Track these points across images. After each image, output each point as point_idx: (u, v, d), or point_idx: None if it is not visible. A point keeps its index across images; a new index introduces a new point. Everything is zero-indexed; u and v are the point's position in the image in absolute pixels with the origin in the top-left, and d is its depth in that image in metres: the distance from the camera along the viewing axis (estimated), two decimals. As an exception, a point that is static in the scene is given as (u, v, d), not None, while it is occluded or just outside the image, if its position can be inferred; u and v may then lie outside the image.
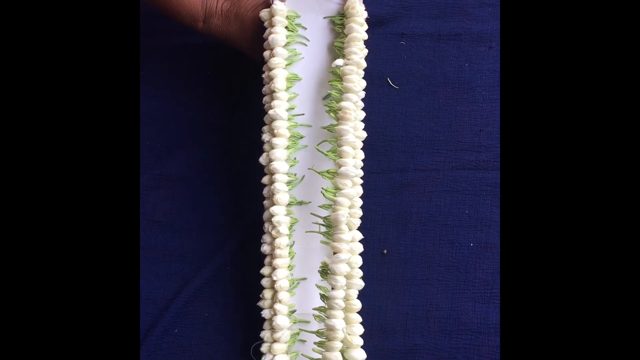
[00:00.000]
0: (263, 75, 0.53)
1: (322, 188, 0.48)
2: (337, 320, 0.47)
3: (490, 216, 0.54)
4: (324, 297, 0.48)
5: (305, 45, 0.54)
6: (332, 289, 0.47)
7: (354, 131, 0.50)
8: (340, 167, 0.48)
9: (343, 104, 0.49)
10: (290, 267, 0.51)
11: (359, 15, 0.51)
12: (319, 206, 0.50)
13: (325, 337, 0.47)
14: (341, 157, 0.49)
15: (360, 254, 0.49)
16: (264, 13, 0.53)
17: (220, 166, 0.58)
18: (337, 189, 0.48)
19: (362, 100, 0.51)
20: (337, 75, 0.51)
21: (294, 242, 0.52)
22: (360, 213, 0.50)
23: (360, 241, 0.49)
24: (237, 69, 0.59)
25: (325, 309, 0.48)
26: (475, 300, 0.53)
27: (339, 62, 0.50)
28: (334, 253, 0.47)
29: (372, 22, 0.54)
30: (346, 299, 0.48)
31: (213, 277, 0.55)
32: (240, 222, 0.56)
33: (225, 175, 0.57)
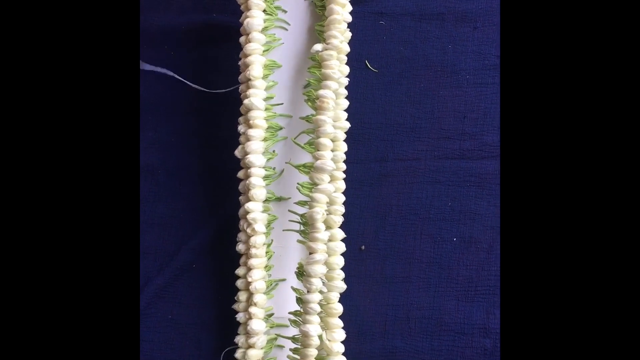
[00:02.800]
0: (239, 63, 0.49)
1: (298, 183, 0.45)
2: (312, 326, 0.43)
3: (474, 209, 0.51)
4: (299, 301, 0.45)
5: (286, 29, 0.50)
6: (307, 292, 0.44)
7: (335, 122, 0.46)
8: (316, 161, 0.44)
9: (320, 92, 0.45)
10: (267, 268, 0.48)
11: None
12: (295, 203, 0.47)
13: (300, 343, 0.44)
14: (318, 150, 0.45)
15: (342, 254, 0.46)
16: None
17: (189, 154, 0.53)
18: (314, 184, 0.44)
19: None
20: (316, 62, 0.47)
21: (272, 240, 0.49)
22: (342, 210, 0.46)
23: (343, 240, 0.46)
24: (210, 48, 0.55)
25: (301, 313, 0.44)
26: (459, 299, 0.50)
27: (318, 47, 0.46)
28: (310, 253, 0.44)
29: (350, 1, 0.49)
30: (326, 302, 0.45)
31: (178, 275, 0.51)
32: (210, 217, 0.52)
33: (194, 165, 0.53)
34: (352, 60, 0.53)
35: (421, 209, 0.52)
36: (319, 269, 0.43)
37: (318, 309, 0.44)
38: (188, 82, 0.53)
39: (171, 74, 0.54)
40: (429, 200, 0.52)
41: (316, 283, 0.43)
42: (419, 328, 0.50)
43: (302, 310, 0.44)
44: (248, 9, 0.48)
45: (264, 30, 0.49)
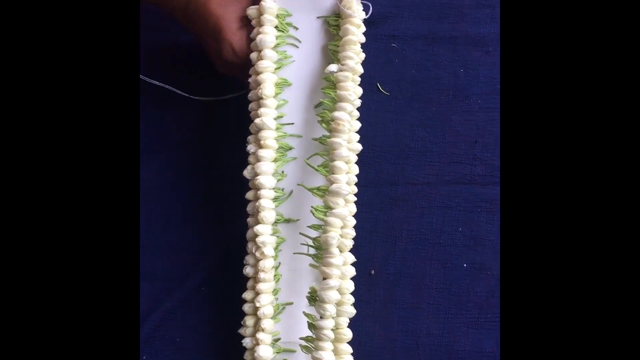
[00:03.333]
0: (249, 80, 0.48)
1: (312, 207, 0.44)
2: (326, 353, 0.43)
3: (485, 235, 0.51)
4: (312, 327, 0.44)
5: (297, 47, 0.49)
6: (321, 317, 0.43)
7: (348, 144, 0.45)
8: (331, 184, 0.44)
9: (336, 114, 0.45)
10: (275, 292, 0.47)
11: (356, 15, 0.46)
12: (308, 226, 0.46)
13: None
14: (333, 173, 0.44)
15: (352, 278, 0.45)
16: (251, 11, 0.47)
17: (196, 177, 0.53)
18: (328, 208, 0.44)
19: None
20: (331, 82, 0.46)
21: (279, 263, 0.48)
22: (352, 233, 0.46)
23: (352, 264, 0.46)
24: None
25: (313, 339, 0.44)
26: (469, 326, 0.50)
27: (333, 67, 0.46)
28: (324, 278, 0.43)
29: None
30: (336, 327, 0.44)
31: (186, 299, 0.51)
32: (218, 240, 0.52)
33: (202, 188, 0.53)
34: (363, 82, 0.53)
35: (431, 234, 0.51)
36: (333, 295, 0.43)
37: (332, 335, 0.43)
38: (187, 95, 0.53)
39: (171, 88, 0.53)
40: (440, 226, 0.51)
41: (330, 309, 0.43)
42: (429, 355, 0.49)
43: (314, 337, 0.44)
44: (261, 25, 0.47)
45: (275, 47, 0.48)
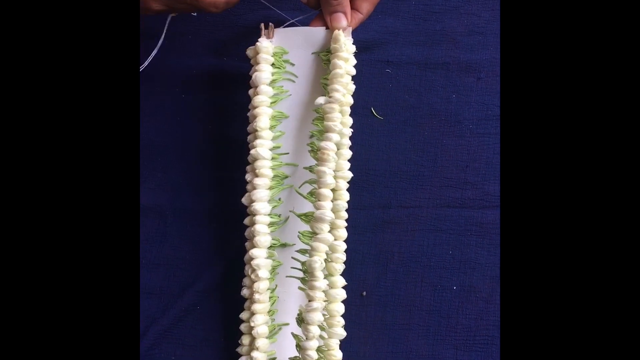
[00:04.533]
0: (248, 114, 0.50)
1: (299, 232, 0.46)
2: None
3: (475, 258, 0.52)
4: (298, 347, 0.46)
5: (293, 81, 0.51)
6: (306, 339, 0.45)
7: (337, 171, 0.47)
8: (316, 211, 0.46)
9: (322, 144, 0.46)
10: (271, 313, 0.49)
11: (342, 50, 0.48)
12: (296, 251, 0.48)
13: (299, 390, 0.45)
14: (318, 200, 0.46)
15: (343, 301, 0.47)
16: (249, 51, 0.51)
17: (196, 196, 0.55)
18: (313, 233, 0.46)
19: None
20: (321, 114, 0.48)
21: (276, 285, 0.50)
22: (343, 258, 0.47)
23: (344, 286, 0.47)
24: (224, 94, 0.56)
25: (299, 359, 0.45)
26: (457, 348, 0.51)
27: (321, 100, 0.48)
28: (309, 301, 0.45)
29: (357, 48, 0.51)
30: (326, 348, 0.46)
31: (182, 317, 0.52)
32: (215, 259, 0.53)
33: (201, 207, 0.54)
34: (357, 107, 0.54)
35: (422, 257, 0.52)
36: (316, 317, 0.45)
37: (315, 356, 0.45)
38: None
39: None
40: (430, 249, 0.53)
41: (313, 331, 0.44)
42: (418, 376, 0.50)
43: (300, 357, 0.45)
44: (257, 63, 0.50)
45: (272, 82, 0.50)
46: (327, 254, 0.47)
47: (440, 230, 0.53)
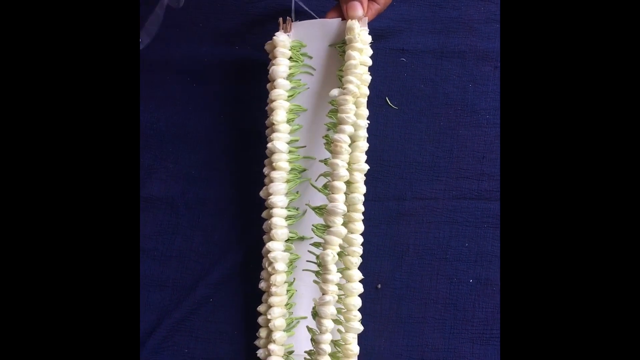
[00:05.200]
0: (266, 108, 0.50)
1: (312, 225, 0.46)
2: None
3: (491, 250, 0.51)
4: (313, 341, 0.45)
5: (311, 74, 0.51)
6: (319, 332, 0.44)
7: (354, 164, 0.46)
8: (329, 204, 0.45)
9: (335, 136, 0.46)
10: (288, 306, 0.48)
11: (357, 40, 0.47)
12: (311, 244, 0.47)
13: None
14: (332, 193, 0.45)
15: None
16: (267, 45, 0.50)
17: (209, 188, 0.54)
18: (327, 226, 0.45)
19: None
20: (335, 106, 0.47)
21: (294, 279, 0.49)
22: (359, 251, 0.46)
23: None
24: (236, 84, 0.56)
25: (314, 353, 0.45)
26: (474, 341, 0.50)
27: (335, 92, 0.47)
28: (322, 294, 0.44)
29: (371, 37, 0.50)
30: (344, 342, 0.45)
31: (195, 309, 0.51)
32: (228, 252, 0.52)
33: (214, 199, 0.54)
34: (372, 96, 0.53)
35: (438, 249, 0.52)
36: (329, 310, 0.44)
37: (329, 349, 0.44)
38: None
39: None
40: (446, 241, 0.52)
41: (326, 324, 0.44)
42: (433, 370, 0.50)
43: (314, 351, 0.45)
44: (274, 57, 0.50)
45: (289, 76, 0.50)
46: (343, 247, 0.46)
47: (456, 222, 0.52)
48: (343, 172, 0.45)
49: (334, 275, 0.45)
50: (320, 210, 0.46)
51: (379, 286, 0.51)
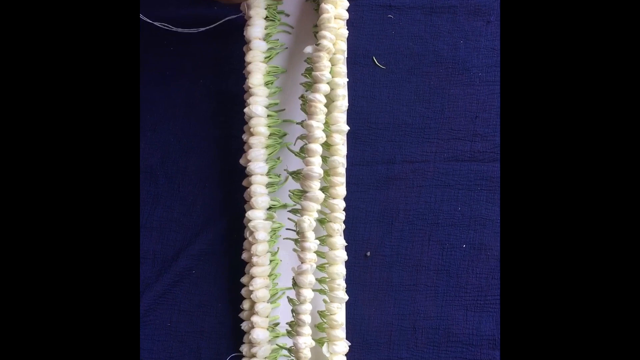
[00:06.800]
0: (243, 71, 0.48)
1: (289, 191, 0.44)
2: (302, 338, 0.42)
3: (485, 214, 0.49)
4: (293, 312, 0.43)
5: (289, 33, 0.48)
6: (298, 302, 0.42)
7: (332, 125, 0.44)
8: (305, 167, 0.43)
9: (310, 96, 0.43)
10: (272, 276, 0.46)
11: None
12: (288, 210, 0.45)
13: (293, 355, 0.43)
14: (307, 156, 0.43)
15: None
16: (241, 6, 0.48)
17: (189, 156, 0.51)
18: (303, 192, 0.43)
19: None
20: (310, 64, 0.45)
21: (278, 248, 0.47)
22: (341, 217, 0.44)
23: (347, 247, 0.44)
24: (216, 47, 0.53)
25: (294, 324, 0.43)
26: (467, 309, 0.48)
27: (308, 49, 0.44)
28: (300, 263, 0.42)
29: (356, -6, 0.47)
30: (328, 312, 0.43)
31: (177, 281, 0.50)
32: (210, 222, 0.50)
33: (195, 168, 0.51)
34: (358, 56, 0.51)
35: (429, 214, 0.49)
36: (307, 279, 0.42)
37: (309, 320, 0.42)
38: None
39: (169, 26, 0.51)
40: (438, 205, 0.49)
41: (305, 294, 0.42)
42: (426, 339, 0.48)
43: (294, 322, 0.43)
44: (249, 17, 0.47)
45: (267, 37, 0.48)
46: (325, 214, 0.44)
47: (448, 185, 0.50)
48: (319, 133, 0.43)
49: (312, 243, 0.42)
50: (297, 175, 0.44)
51: (368, 254, 0.49)
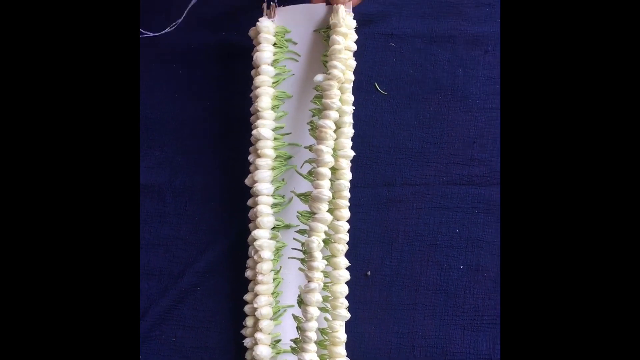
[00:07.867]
0: (251, 95, 0.49)
1: (297, 212, 0.45)
2: (308, 355, 0.43)
3: (482, 236, 0.51)
4: (298, 329, 0.45)
5: (296, 60, 0.51)
6: (305, 320, 0.44)
7: (339, 150, 0.46)
8: (314, 190, 0.45)
9: (320, 122, 0.45)
10: (275, 294, 0.48)
11: (341, 24, 0.47)
12: (296, 231, 0.47)
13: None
14: (316, 180, 0.45)
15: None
16: (251, 31, 0.50)
17: (196, 175, 0.53)
18: (312, 213, 0.44)
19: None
20: (320, 92, 0.47)
21: (280, 267, 0.49)
22: (345, 238, 0.46)
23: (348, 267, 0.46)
24: (223, 70, 0.55)
25: (300, 340, 0.44)
26: (464, 328, 0.49)
27: (319, 77, 0.46)
28: (308, 281, 0.44)
29: (359, 21, 0.49)
30: (330, 330, 0.45)
31: (182, 298, 0.51)
32: (216, 239, 0.52)
33: (201, 186, 0.53)
34: (361, 82, 0.53)
35: (428, 235, 0.51)
36: (314, 298, 0.44)
37: (314, 337, 0.44)
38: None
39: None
40: (436, 227, 0.51)
41: (312, 312, 0.44)
42: (424, 356, 0.49)
43: (300, 339, 0.44)
44: (258, 43, 0.49)
45: (274, 62, 0.50)
46: (329, 234, 0.45)
47: (447, 208, 0.51)
48: (328, 158, 0.45)
49: (319, 262, 0.44)
50: (306, 197, 0.46)
51: (369, 273, 0.51)
